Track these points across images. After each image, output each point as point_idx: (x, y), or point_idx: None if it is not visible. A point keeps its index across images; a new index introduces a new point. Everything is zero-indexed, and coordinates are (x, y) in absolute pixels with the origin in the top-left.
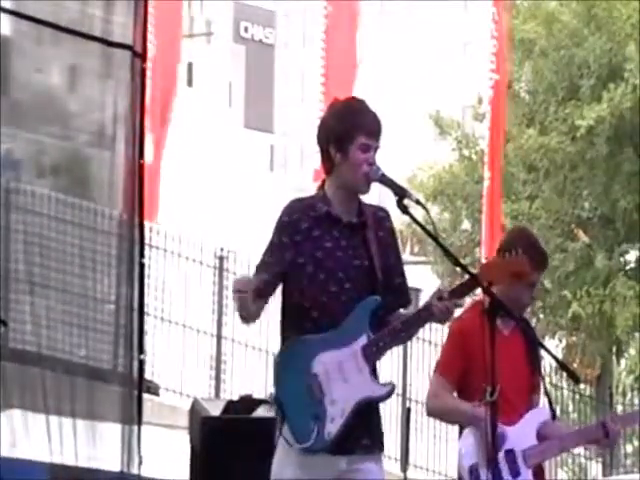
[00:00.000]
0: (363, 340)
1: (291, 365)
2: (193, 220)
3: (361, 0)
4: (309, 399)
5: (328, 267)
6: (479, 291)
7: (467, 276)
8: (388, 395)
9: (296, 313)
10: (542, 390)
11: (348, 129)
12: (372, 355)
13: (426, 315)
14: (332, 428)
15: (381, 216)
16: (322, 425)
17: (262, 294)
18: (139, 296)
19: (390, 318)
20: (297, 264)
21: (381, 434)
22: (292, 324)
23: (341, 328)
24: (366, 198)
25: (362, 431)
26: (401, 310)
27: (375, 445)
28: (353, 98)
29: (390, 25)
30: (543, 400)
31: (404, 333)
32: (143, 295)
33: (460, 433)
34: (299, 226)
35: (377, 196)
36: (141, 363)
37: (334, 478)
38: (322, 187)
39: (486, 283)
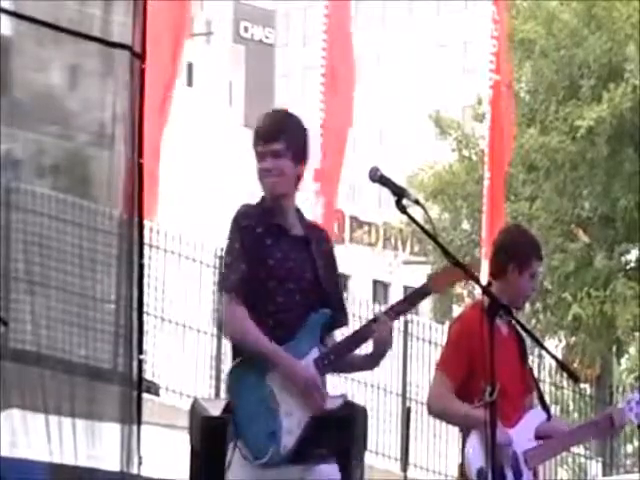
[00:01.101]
0: (315, 353)
1: (245, 381)
2: (193, 220)
3: (361, 0)
4: (264, 413)
5: (279, 277)
6: (478, 292)
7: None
8: (340, 408)
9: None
10: (536, 391)
11: (253, 141)
12: (324, 368)
13: (366, 334)
14: (288, 441)
15: (322, 236)
16: (278, 439)
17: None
18: (138, 296)
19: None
20: (253, 268)
21: (338, 444)
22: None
23: (293, 341)
24: (367, 198)
25: (318, 442)
26: (335, 332)
27: (331, 455)
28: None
29: (390, 25)
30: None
31: (353, 347)
32: (142, 295)
33: (462, 433)
34: (255, 231)
35: (377, 196)
36: (141, 363)
37: None
38: (262, 201)
39: (435, 292)
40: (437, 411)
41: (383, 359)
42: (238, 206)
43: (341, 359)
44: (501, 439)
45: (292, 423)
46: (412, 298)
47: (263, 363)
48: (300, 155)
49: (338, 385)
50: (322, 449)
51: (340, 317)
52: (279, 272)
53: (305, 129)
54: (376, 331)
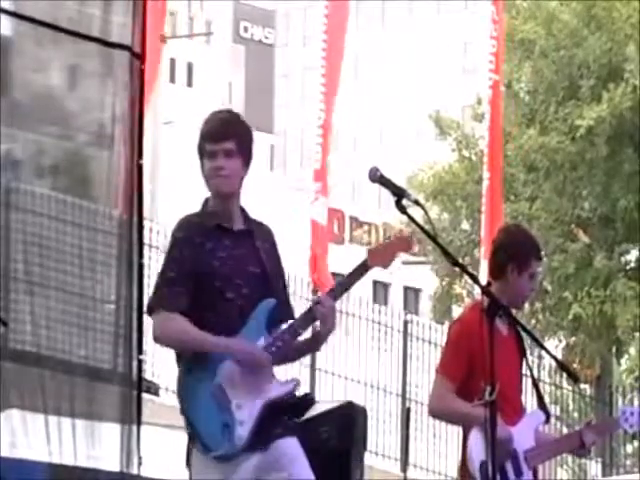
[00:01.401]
0: (261, 342)
1: (194, 379)
2: None
3: (361, 0)
4: (216, 407)
5: (224, 274)
6: (478, 292)
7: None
8: (292, 392)
9: (198, 320)
10: (535, 391)
11: (199, 141)
12: (272, 355)
13: (309, 318)
14: (242, 432)
15: (266, 230)
16: (232, 431)
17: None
18: (138, 296)
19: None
20: (194, 276)
21: (294, 422)
22: None
23: (240, 334)
24: (367, 198)
25: (272, 426)
26: (282, 326)
27: (288, 431)
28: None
29: (390, 25)
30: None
31: (300, 329)
32: (142, 295)
33: (463, 430)
34: (194, 241)
35: (377, 196)
36: (140, 363)
37: (256, 471)
38: (206, 203)
39: (374, 267)
40: (438, 412)
41: (326, 340)
42: (177, 220)
43: (288, 345)
44: (502, 434)
45: (243, 415)
46: (352, 275)
47: (210, 361)
48: (248, 156)
49: (338, 385)
50: (279, 429)
51: (286, 310)
52: (224, 270)
53: (251, 131)
54: (319, 311)
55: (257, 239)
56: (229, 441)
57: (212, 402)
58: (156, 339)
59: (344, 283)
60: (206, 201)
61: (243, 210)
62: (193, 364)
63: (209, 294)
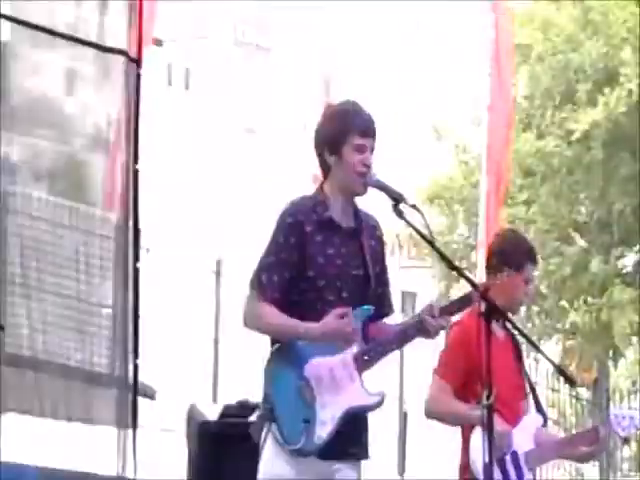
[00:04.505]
0: (355, 348)
1: (283, 367)
2: (192, 224)
3: (362, 0)
4: (300, 402)
5: (329, 274)
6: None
7: (463, 290)
8: (378, 405)
9: (292, 315)
10: (532, 395)
11: (341, 130)
12: (363, 364)
13: (418, 331)
14: (322, 432)
15: (372, 224)
16: (312, 428)
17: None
18: (134, 300)
19: (372, 327)
20: (300, 267)
21: (367, 442)
22: None
23: None
24: (364, 202)
25: (350, 439)
26: (384, 320)
27: (362, 453)
28: (346, 100)
29: (389, 28)
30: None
31: (395, 345)
32: (138, 299)
33: (463, 433)
34: (303, 229)
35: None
36: (137, 367)
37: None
38: (321, 189)
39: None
40: (435, 413)
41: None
42: (287, 202)
43: (379, 357)
44: (500, 428)
45: (326, 415)
46: (462, 302)
47: (302, 353)
48: None
49: None
50: (354, 447)
51: (385, 310)
52: (329, 270)
53: None
54: (430, 323)
55: (364, 237)
56: (307, 438)
57: (297, 395)
58: (245, 324)
59: (453, 307)
60: (321, 187)
61: (354, 204)
62: (285, 352)
63: (309, 290)
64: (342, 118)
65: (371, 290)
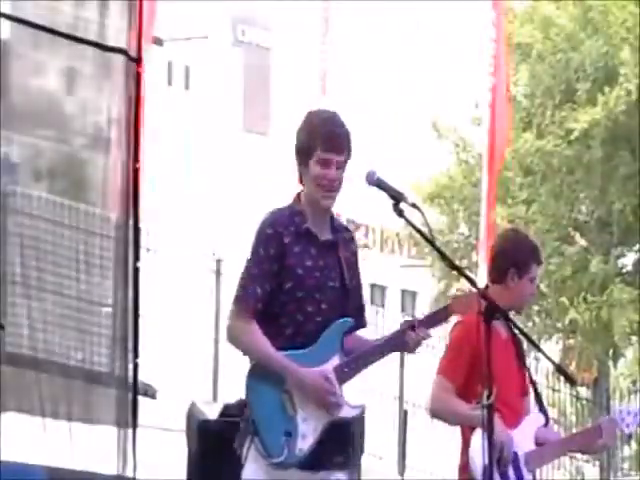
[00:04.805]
0: (335, 361)
1: (265, 379)
2: (191, 223)
3: (362, 0)
4: (281, 415)
5: (307, 286)
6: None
7: (462, 291)
8: (359, 417)
9: (271, 326)
10: (534, 394)
11: (308, 143)
12: (344, 376)
13: (398, 344)
14: (303, 445)
15: (348, 237)
16: (294, 441)
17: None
18: (135, 299)
19: (349, 339)
20: (279, 278)
21: (354, 451)
22: (265, 334)
23: (314, 347)
24: (364, 200)
25: (334, 449)
26: (358, 332)
27: (347, 462)
28: (322, 111)
29: (388, 28)
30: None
31: (375, 358)
32: (139, 298)
33: (463, 434)
34: (282, 240)
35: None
36: (137, 366)
37: None
38: (298, 199)
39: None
40: (438, 413)
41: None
42: (265, 213)
43: (359, 370)
44: (503, 439)
45: (308, 428)
46: (437, 314)
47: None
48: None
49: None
50: (338, 457)
51: (362, 322)
52: (308, 282)
53: None
54: (411, 337)
55: (340, 249)
56: (289, 451)
57: (279, 408)
58: (229, 341)
59: (432, 320)
60: (298, 197)
61: (331, 216)
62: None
63: (289, 302)
64: (310, 131)
65: (350, 303)
